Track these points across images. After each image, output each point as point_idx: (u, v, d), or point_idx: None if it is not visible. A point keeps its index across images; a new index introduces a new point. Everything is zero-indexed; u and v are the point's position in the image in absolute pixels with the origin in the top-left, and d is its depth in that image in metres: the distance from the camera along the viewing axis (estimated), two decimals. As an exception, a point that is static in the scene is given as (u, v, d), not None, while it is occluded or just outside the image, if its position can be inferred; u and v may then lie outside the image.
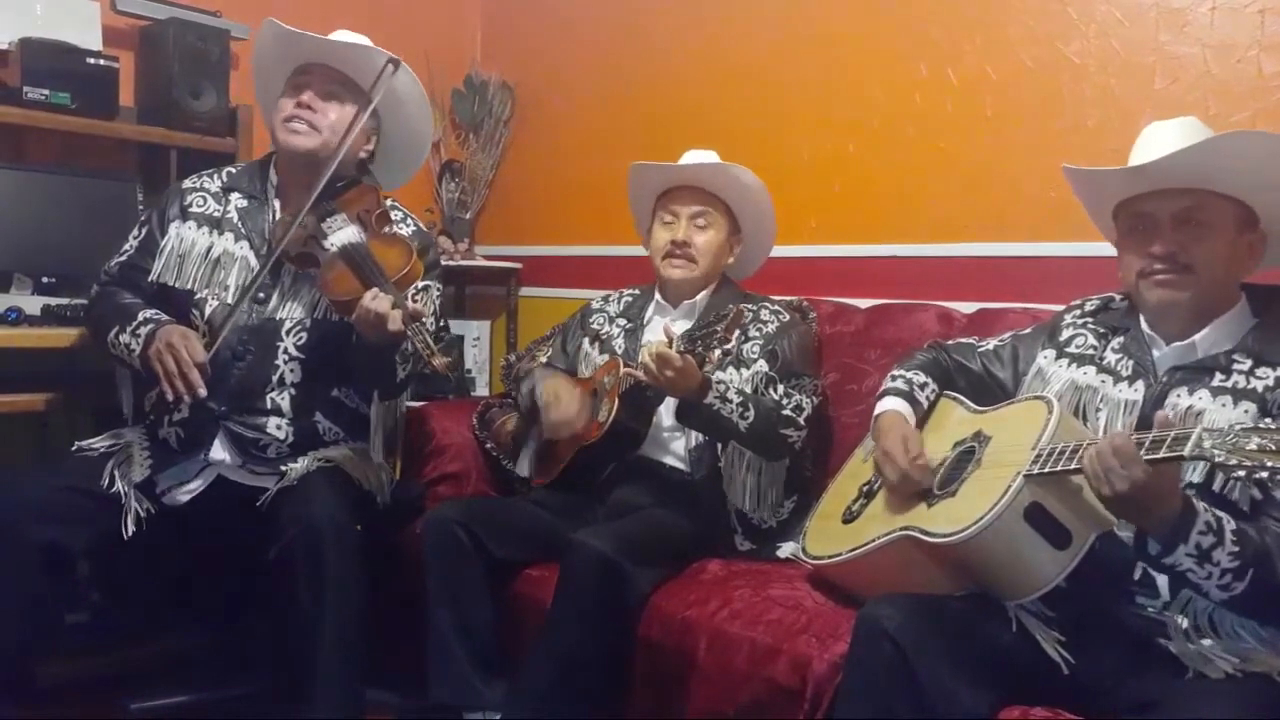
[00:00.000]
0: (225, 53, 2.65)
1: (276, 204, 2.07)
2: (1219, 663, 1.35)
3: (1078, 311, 1.71)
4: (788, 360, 2.07)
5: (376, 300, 1.79)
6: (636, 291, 2.34)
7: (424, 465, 2.39)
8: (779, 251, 2.31)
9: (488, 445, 2.39)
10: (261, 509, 1.89)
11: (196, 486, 1.96)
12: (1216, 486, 1.41)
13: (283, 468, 1.94)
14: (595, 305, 2.35)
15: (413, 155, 2.22)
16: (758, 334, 2.10)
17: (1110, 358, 1.60)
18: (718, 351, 1.86)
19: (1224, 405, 1.44)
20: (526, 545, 2.03)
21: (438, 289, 2.12)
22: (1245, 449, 1.17)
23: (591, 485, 2.11)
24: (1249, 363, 1.46)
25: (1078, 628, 1.44)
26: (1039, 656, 1.41)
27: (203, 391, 1.83)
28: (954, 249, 2.39)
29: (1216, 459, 1.19)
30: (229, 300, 1.96)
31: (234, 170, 2.13)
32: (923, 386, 1.77)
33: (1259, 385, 1.44)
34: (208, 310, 1.97)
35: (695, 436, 2.06)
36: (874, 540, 1.60)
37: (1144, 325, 1.59)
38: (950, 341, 1.88)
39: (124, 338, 1.92)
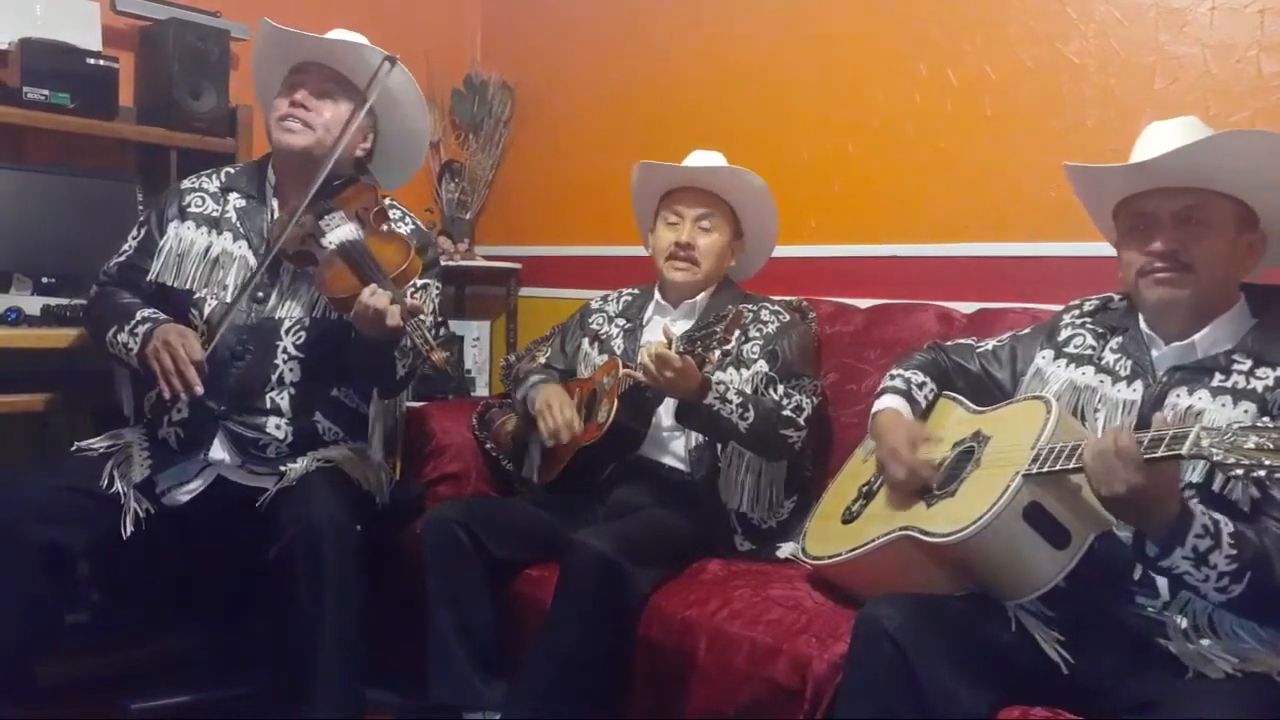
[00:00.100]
0: (225, 53, 2.65)
1: (275, 203, 2.07)
2: (1219, 663, 1.35)
3: (1076, 311, 1.71)
4: (788, 360, 2.07)
5: (375, 296, 1.79)
6: (636, 291, 2.33)
7: (424, 465, 2.39)
8: (779, 251, 2.31)
9: (487, 445, 2.39)
10: (261, 509, 1.89)
11: (196, 486, 1.96)
12: (1216, 486, 1.41)
13: (282, 468, 1.94)
14: (594, 305, 2.35)
15: (411, 154, 2.22)
16: (758, 334, 2.10)
17: (1109, 357, 1.60)
18: (717, 352, 1.86)
19: (1224, 405, 1.44)
20: (526, 545, 2.03)
21: (436, 287, 2.12)
22: (1243, 448, 1.17)
23: (591, 485, 2.11)
24: (1249, 363, 1.46)
25: (1077, 628, 1.44)
26: (1039, 656, 1.41)
27: (200, 389, 1.83)
28: (954, 249, 2.39)
29: (1215, 457, 1.19)
30: (228, 300, 1.96)
31: (232, 170, 2.13)
32: (921, 386, 1.77)
33: (1259, 385, 1.44)
34: (207, 310, 1.97)
35: (695, 437, 2.06)
36: (874, 540, 1.60)
37: (1143, 325, 1.59)
38: (949, 342, 1.88)
39: (122, 337, 1.92)
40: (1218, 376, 1.47)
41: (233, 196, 2.07)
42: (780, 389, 2.04)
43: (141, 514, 1.88)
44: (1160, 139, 1.52)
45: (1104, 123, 2.17)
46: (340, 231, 1.95)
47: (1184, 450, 1.22)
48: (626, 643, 1.81)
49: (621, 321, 2.26)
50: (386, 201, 2.10)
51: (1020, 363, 1.74)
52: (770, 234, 2.25)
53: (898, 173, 2.49)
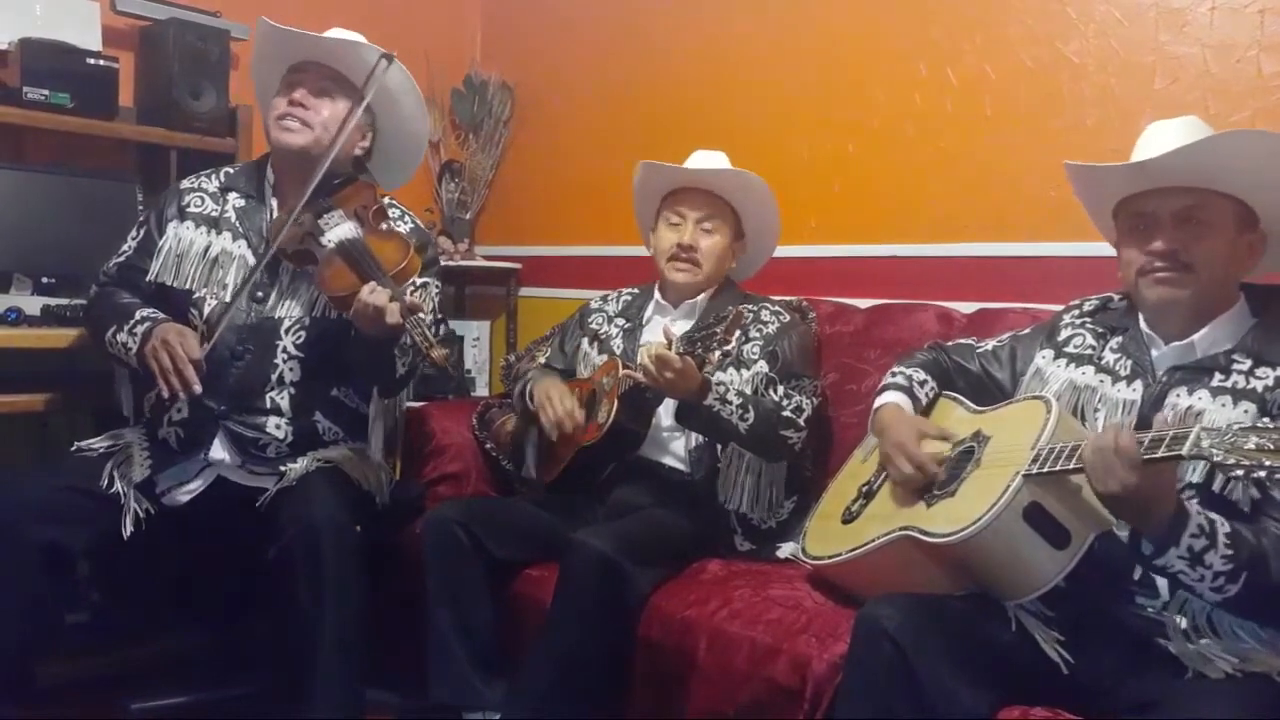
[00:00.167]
0: (225, 53, 2.65)
1: (274, 202, 2.07)
2: (1218, 663, 1.35)
3: (1076, 311, 1.71)
4: (788, 361, 2.07)
5: (374, 294, 1.79)
6: (635, 291, 2.33)
7: (424, 465, 2.39)
8: (779, 251, 2.32)
9: (487, 445, 2.39)
10: (261, 509, 1.89)
11: (196, 486, 1.96)
12: (1216, 486, 1.41)
13: (282, 468, 1.94)
14: (594, 305, 2.35)
15: (410, 153, 2.22)
16: (758, 334, 2.10)
17: (1109, 357, 1.60)
18: (717, 353, 1.86)
19: (1223, 405, 1.44)
20: (526, 545, 2.03)
21: (436, 286, 2.12)
22: (1244, 448, 1.17)
23: (591, 485, 2.11)
24: (1248, 362, 1.46)
25: (1077, 627, 1.44)
26: (1039, 656, 1.41)
27: (198, 388, 1.83)
28: (954, 249, 2.39)
29: (1215, 458, 1.19)
30: (227, 299, 1.96)
31: (231, 170, 2.14)
32: (922, 384, 1.77)
33: (1258, 385, 1.44)
34: (206, 309, 1.97)
35: (695, 437, 2.06)
36: (873, 540, 1.60)
37: (1143, 324, 1.59)
38: (949, 342, 1.88)
39: (121, 336, 1.92)
40: (1217, 376, 1.47)
41: (232, 196, 2.07)
42: (780, 390, 2.04)
43: (141, 514, 1.88)
44: (1161, 138, 1.52)
45: (1104, 122, 2.17)
46: (339, 230, 1.95)
47: (1184, 451, 1.22)
48: (626, 643, 1.81)
49: (621, 321, 2.26)
50: (385, 200, 2.10)
51: (1020, 363, 1.74)
52: (772, 235, 2.25)
53: (898, 173, 2.49)
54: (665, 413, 2.06)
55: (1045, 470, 1.41)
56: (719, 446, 2.04)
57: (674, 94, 2.93)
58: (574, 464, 2.09)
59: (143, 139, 2.60)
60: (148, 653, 2.30)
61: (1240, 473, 1.17)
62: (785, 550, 2.03)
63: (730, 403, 1.93)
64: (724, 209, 2.17)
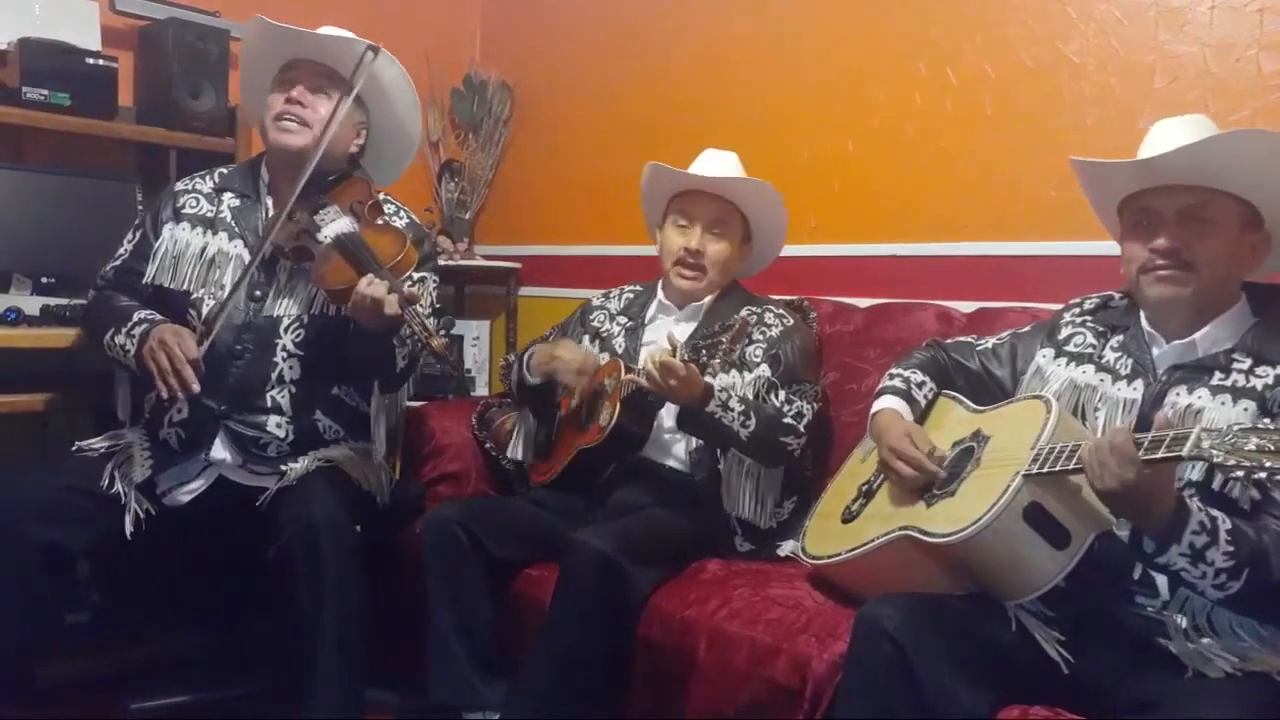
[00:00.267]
0: (224, 52, 2.65)
1: (269, 201, 2.07)
2: (1218, 662, 1.35)
3: (1077, 310, 1.71)
4: (790, 365, 2.07)
5: (372, 286, 1.80)
6: (638, 288, 2.33)
7: (423, 465, 2.39)
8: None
9: (487, 445, 2.39)
10: (261, 509, 1.89)
11: (197, 486, 1.96)
12: (1216, 484, 1.41)
13: (283, 467, 1.94)
14: (595, 303, 2.35)
15: (402, 146, 2.21)
16: (761, 337, 2.09)
17: (1109, 356, 1.60)
18: (719, 359, 1.86)
19: (1223, 404, 1.44)
20: (526, 545, 2.03)
21: (434, 280, 2.12)
22: (1244, 449, 1.17)
23: (592, 486, 2.11)
24: (1248, 361, 1.46)
25: (1077, 627, 1.44)
26: (1039, 656, 1.41)
27: (196, 388, 1.83)
28: (953, 248, 2.39)
29: (1215, 459, 1.19)
30: (225, 299, 1.96)
31: (226, 171, 2.14)
32: (920, 385, 1.77)
33: (1258, 384, 1.44)
34: (204, 310, 1.96)
35: (696, 439, 2.06)
36: (873, 540, 1.60)
37: (1144, 323, 1.59)
38: (949, 340, 1.88)
39: (119, 339, 1.92)
40: (1217, 375, 1.47)
41: (227, 196, 2.07)
42: (782, 395, 2.04)
43: (142, 514, 1.88)
44: (1167, 136, 1.53)
45: (1104, 122, 2.17)
46: (336, 225, 1.95)
47: (1184, 452, 1.22)
48: (626, 643, 1.81)
49: (623, 320, 2.26)
50: (381, 196, 2.10)
51: (1020, 361, 1.74)
52: (779, 238, 2.25)
53: (898, 172, 2.49)
54: (667, 415, 2.06)
55: (1045, 470, 1.41)
56: (718, 451, 2.04)
57: (674, 94, 2.93)
58: (575, 464, 2.09)
59: (142, 139, 2.60)
60: (148, 653, 2.30)
61: (1240, 474, 1.18)
62: (786, 548, 2.03)
63: (732, 409, 1.93)
64: (733, 213, 2.16)
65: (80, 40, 2.47)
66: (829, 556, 1.70)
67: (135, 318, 1.93)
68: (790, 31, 2.69)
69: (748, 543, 2.05)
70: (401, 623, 2.02)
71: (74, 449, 1.99)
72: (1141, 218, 1.55)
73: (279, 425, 1.97)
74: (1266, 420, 1.40)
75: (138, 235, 2.07)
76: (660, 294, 2.25)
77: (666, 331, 2.06)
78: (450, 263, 3.14)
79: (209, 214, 2.04)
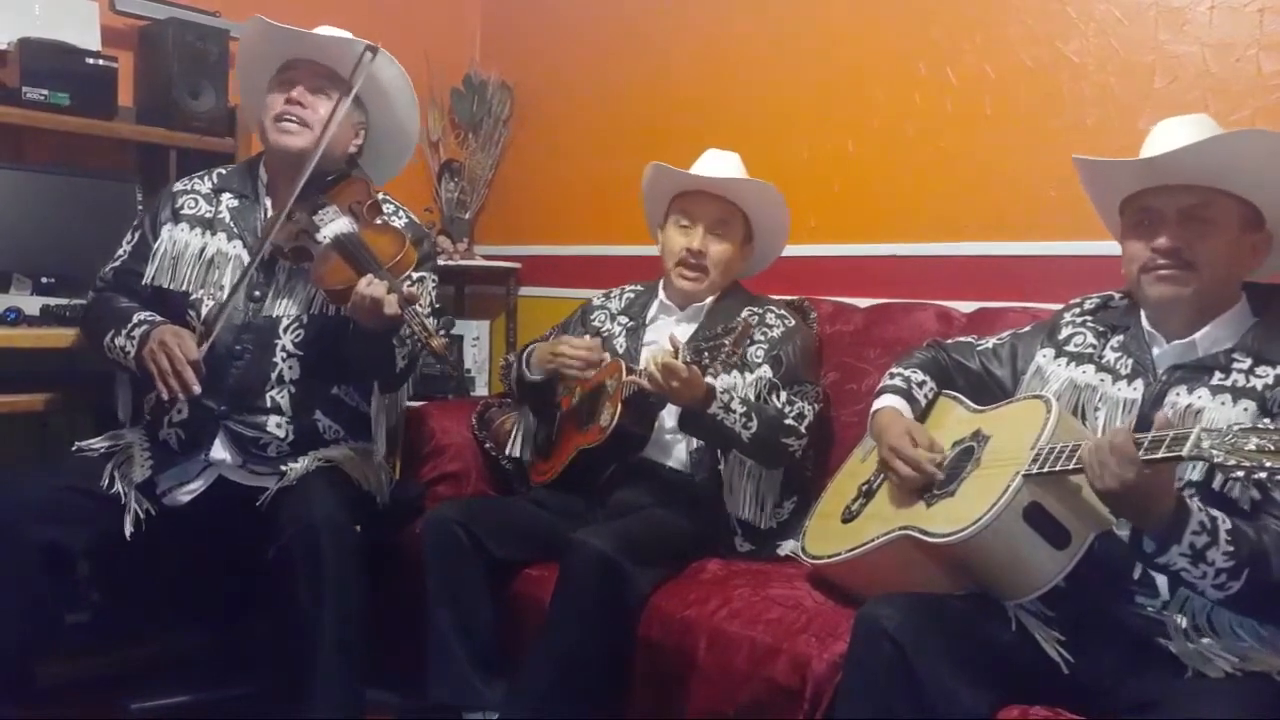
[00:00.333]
0: (224, 52, 2.65)
1: (268, 201, 2.07)
2: (1218, 662, 1.35)
3: (1077, 310, 1.71)
4: (792, 366, 2.07)
5: (372, 286, 1.80)
6: (639, 288, 2.33)
7: (423, 465, 2.39)
8: (778, 251, 2.32)
9: (487, 445, 2.39)
10: (261, 509, 1.89)
11: (197, 487, 1.96)
12: (1216, 484, 1.41)
13: (282, 467, 1.94)
14: (596, 302, 2.34)
15: (400, 147, 2.22)
16: (762, 338, 2.09)
17: (1109, 356, 1.60)
18: (721, 361, 1.86)
19: (1223, 404, 1.45)
20: (526, 545, 2.03)
21: (433, 280, 2.12)
22: (1244, 449, 1.17)
23: (592, 486, 2.11)
24: (1248, 361, 1.46)
25: (1077, 627, 1.44)
26: (1039, 656, 1.41)
27: (197, 389, 1.83)
28: (953, 248, 2.39)
29: (1215, 459, 1.19)
30: (224, 299, 1.96)
31: (224, 171, 2.14)
32: (921, 385, 1.77)
33: (1258, 384, 1.44)
34: (204, 311, 1.96)
35: (697, 440, 2.06)
36: (873, 540, 1.60)
37: (1144, 322, 1.59)
38: (949, 340, 1.88)
39: (119, 340, 1.92)
40: (1217, 375, 1.47)
41: (225, 197, 2.07)
42: (783, 396, 2.04)
43: (142, 514, 1.88)
44: (1170, 136, 1.53)
45: (1104, 122, 2.17)
46: (335, 225, 1.95)
47: (1184, 452, 1.22)
48: (626, 643, 1.81)
49: (624, 320, 2.25)
50: (380, 195, 2.10)
51: (1021, 361, 1.74)
52: (781, 238, 2.25)
53: (898, 172, 2.49)
54: (668, 415, 2.06)
55: (1045, 470, 1.41)
56: (719, 453, 2.04)
57: (674, 94, 2.93)
58: (575, 464, 2.09)
59: (142, 139, 2.60)
60: (148, 653, 2.30)
61: (1241, 474, 1.18)
62: (786, 547, 2.03)
63: (734, 411, 1.93)
64: (735, 214, 2.16)
65: (80, 40, 2.47)
66: (829, 556, 1.70)
67: (135, 319, 1.93)
68: (790, 31, 2.69)
69: (748, 543, 2.05)
70: (401, 623, 2.02)
71: (74, 449, 1.99)
72: (1143, 217, 1.55)
73: (279, 425, 1.97)
74: (1266, 420, 1.40)
75: (136, 236, 2.07)
76: (661, 294, 2.25)
77: (667, 332, 2.06)
78: (450, 263, 3.14)
79: (207, 214, 2.04)
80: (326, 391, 2.04)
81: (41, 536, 1.81)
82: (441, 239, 3.19)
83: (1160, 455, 1.25)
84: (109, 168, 2.61)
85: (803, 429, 2.02)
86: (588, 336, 2.25)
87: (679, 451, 2.10)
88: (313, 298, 2.00)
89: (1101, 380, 1.58)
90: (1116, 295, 1.69)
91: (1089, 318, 1.68)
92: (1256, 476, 1.16)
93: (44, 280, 2.36)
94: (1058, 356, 1.66)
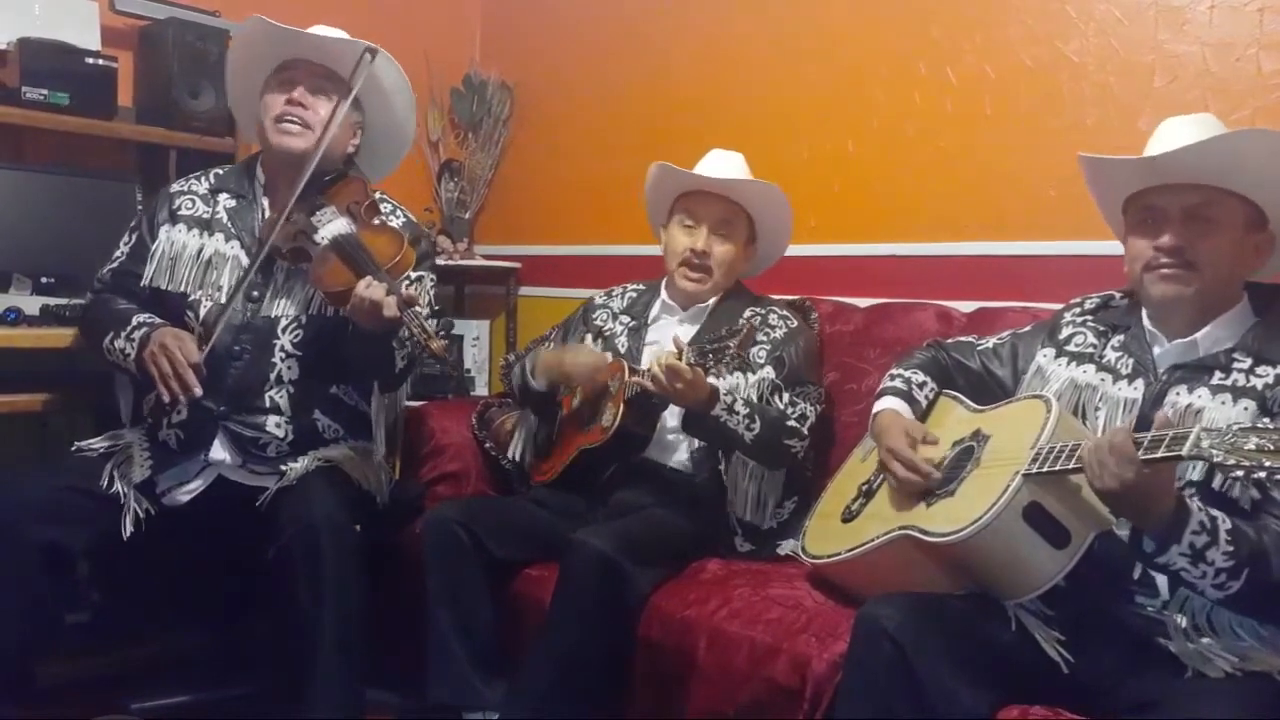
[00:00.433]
0: (224, 52, 2.62)
1: (265, 202, 2.07)
2: (1218, 662, 1.35)
3: (1078, 309, 1.71)
4: (794, 367, 2.07)
5: (370, 288, 1.80)
6: (641, 287, 2.32)
7: (423, 465, 2.39)
8: (778, 251, 2.32)
9: (487, 445, 2.39)
10: (261, 509, 1.89)
11: (197, 487, 1.96)
12: (1216, 484, 1.41)
13: (282, 467, 1.94)
14: (598, 300, 2.34)
15: (398, 144, 2.22)
16: (765, 339, 2.09)
17: (1110, 356, 1.60)
18: (725, 364, 1.86)
19: (1223, 403, 1.44)
20: (526, 545, 2.03)
21: (431, 279, 2.12)
22: (1243, 449, 1.17)
23: (593, 486, 2.11)
24: (1249, 361, 1.46)
25: (1077, 627, 1.44)
26: (1039, 656, 1.41)
27: (198, 391, 1.83)
28: (953, 248, 2.39)
29: (1215, 459, 1.19)
30: (223, 300, 1.96)
31: (221, 172, 2.13)
32: (921, 385, 1.77)
33: (1259, 383, 1.44)
34: (202, 311, 1.96)
35: (699, 440, 2.06)
36: (873, 540, 1.60)
37: (1146, 322, 1.59)
38: (949, 340, 1.88)
39: (119, 343, 1.92)
40: (1218, 374, 1.47)
41: (222, 197, 2.06)
42: (786, 397, 2.04)
43: (141, 514, 1.88)
44: (1174, 135, 1.53)
45: (1103, 121, 2.17)
46: (333, 226, 1.95)
47: (1184, 451, 1.22)
48: (626, 643, 1.81)
49: (626, 319, 2.25)
50: (377, 195, 2.10)
51: (1021, 360, 1.74)
52: (784, 238, 2.25)
53: (898, 172, 2.49)
54: (670, 416, 2.06)
55: (1045, 470, 1.41)
56: (720, 453, 2.04)
57: (674, 94, 2.93)
58: (576, 464, 2.09)
59: (142, 139, 2.60)
60: (148, 653, 2.30)
61: (1240, 473, 1.18)
62: (786, 547, 2.03)
63: (737, 413, 1.92)
64: (739, 214, 2.16)
65: (80, 40, 2.47)
66: (829, 556, 1.70)
67: (134, 321, 1.93)
68: (790, 31, 2.69)
69: (748, 543, 2.04)
70: (401, 623, 2.02)
71: (73, 449, 1.99)
72: (1147, 215, 1.55)
73: (278, 425, 1.97)
74: (1266, 420, 1.40)
75: (134, 238, 2.07)
76: (664, 294, 2.24)
77: (669, 332, 2.07)
78: (450, 263, 3.14)
79: (205, 215, 2.04)
80: (325, 391, 2.04)
81: (41, 536, 1.81)
82: (441, 239, 3.19)
83: (1160, 455, 1.25)
84: (109, 168, 2.61)
85: (805, 430, 2.02)
86: (589, 337, 2.25)
87: (680, 452, 2.10)
88: (311, 298, 2.00)
89: (1102, 380, 1.58)
90: (1117, 295, 1.69)
91: (1090, 317, 1.68)
92: (1256, 476, 1.16)
93: (44, 280, 2.35)
94: (1058, 356, 1.66)
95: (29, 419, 2.39)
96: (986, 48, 2.34)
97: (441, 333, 2.01)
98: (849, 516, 1.75)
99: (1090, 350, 1.63)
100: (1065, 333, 1.68)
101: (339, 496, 1.89)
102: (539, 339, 2.44)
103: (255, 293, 1.99)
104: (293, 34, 2.01)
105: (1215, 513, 1.33)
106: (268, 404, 1.97)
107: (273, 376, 1.97)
